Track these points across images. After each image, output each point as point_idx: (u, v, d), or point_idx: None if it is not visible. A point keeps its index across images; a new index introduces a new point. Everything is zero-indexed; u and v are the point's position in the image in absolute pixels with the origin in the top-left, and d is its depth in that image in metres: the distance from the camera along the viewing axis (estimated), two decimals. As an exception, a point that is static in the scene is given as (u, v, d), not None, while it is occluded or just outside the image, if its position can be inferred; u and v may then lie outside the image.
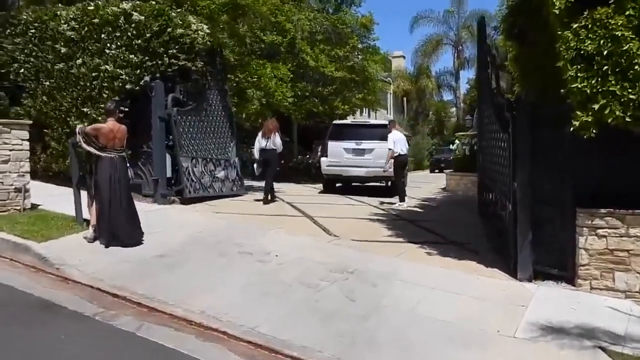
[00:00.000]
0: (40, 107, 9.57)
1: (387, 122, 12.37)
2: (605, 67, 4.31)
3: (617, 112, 4.26)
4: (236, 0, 12.05)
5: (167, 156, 9.08)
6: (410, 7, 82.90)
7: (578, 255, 4.93)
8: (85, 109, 9.00)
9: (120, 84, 8.80)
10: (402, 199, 10.51)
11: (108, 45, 9.03)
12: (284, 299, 4.59)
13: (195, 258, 5.69)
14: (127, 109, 8.29)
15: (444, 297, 4.77)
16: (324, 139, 13.61)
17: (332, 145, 12.96)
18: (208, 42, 9.73)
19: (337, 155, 12.83)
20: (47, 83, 9.57)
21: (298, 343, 3.70)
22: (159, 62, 8.90)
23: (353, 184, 13.65)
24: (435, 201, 12.74)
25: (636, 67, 4.18)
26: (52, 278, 5.04)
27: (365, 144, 12.56)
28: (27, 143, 7.40)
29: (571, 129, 4.53)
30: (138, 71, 8.82)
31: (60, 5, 10.14)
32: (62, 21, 9.50)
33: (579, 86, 4.39)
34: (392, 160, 10.63)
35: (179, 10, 9.81)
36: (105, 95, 8.75)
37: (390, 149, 10.54)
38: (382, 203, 10.93)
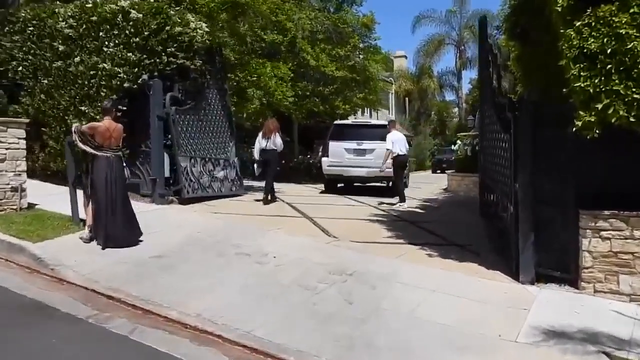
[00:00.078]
0: (39, 106, 9.50)
1: (387, 123, 12.31)
2: (609, 66, 4.23)
3: (621, 112, 4.19)
4: (236, -2, 11.99)
5: (166, 156, 9.00)
6: (412, 7, 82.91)
7: (581, 258, 4.85)
8: (83, 108, 8.93)
9: (118, 83, 8.73)
10: (402, 200, 10.44)
11: (106, 43, 8.97)
12: (282, 301, 4.52)
13: (193, 259, 5.62)
14: (125, 108, 8.29)
15: (445, 300, 4.69)
16: (325, 139, 13.57)
17: (333, 146, 12.92)
18: (207, 41, 9.68)
19: (338, 156, 12.78)
20: (45, 81, 9.49)
21: (294, 347, 3.62)
22: (157, 60, 8.84)
23: (354, 184, 13.58)
24: (436, 202, 12.67)
25: (641, 65, 4.10)
26: (46, 279, 4.96)
27: (367, 144, 12.51)
28: (24, 142, 7.34)
29: (574, 129, 4.45)
30: (136, 69, 8.75)
31: (58, 2, 10.07)
32: (60, 19, 9.44)
33: (582, 85, 4.31)
34: (392, 161, 10.55)
35: (177, 8, 9.76)
36: (103, 94, 8.66)
37: (388, 149, 10.47)
38: (380, 203, 10.85)
